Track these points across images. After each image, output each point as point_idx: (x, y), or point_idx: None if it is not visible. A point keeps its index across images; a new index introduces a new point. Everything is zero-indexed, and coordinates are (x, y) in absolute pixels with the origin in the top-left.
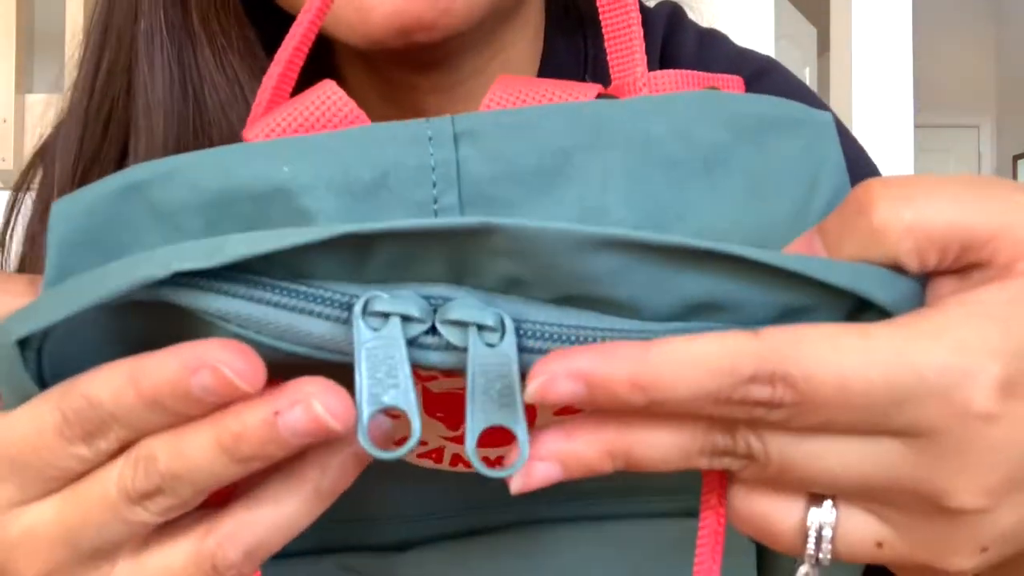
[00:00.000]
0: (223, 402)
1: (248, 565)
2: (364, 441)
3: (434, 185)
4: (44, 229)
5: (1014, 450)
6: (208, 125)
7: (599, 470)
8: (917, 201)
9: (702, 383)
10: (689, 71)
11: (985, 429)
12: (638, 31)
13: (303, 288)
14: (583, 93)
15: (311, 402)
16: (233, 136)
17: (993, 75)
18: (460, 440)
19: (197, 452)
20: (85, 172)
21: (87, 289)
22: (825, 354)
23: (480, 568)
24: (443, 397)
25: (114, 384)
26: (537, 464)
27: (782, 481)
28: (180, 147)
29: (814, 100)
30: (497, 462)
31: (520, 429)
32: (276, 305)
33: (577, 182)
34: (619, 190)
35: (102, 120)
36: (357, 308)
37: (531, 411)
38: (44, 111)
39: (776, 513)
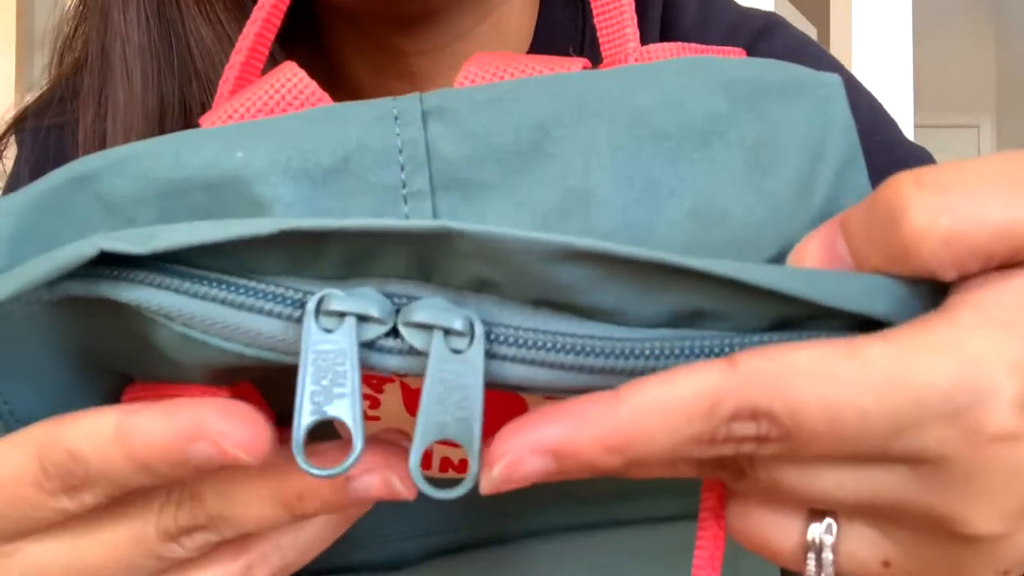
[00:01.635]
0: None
1: None
2: (299, 457)
3: (402, 168)
4: None
5: None
6: (193, 78)
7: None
8: (956, 205)
9: (680, 431)
10: (685, 44)
11: (1001, 451)
12: (629, 6)
13: (252, 284)
14: (566, 67)
15: (389, 476)
16: None
17: (993, 75)
18: (448, 443)
19: (253, 504)
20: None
21: (14, 277)
22: (811, 384)
23: None
24: None
25: (100, 441)
26: (529, 457)
27: (777, 498)
28: (163, 104)
29: (823, 57)
30: (462, 466)
31: (472, 450)
32: (223, 302)
33: (558, 160)
34: (605, 168)
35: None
36: (310, 306)
37: (519, 401)
38: None
39: (773, 530)
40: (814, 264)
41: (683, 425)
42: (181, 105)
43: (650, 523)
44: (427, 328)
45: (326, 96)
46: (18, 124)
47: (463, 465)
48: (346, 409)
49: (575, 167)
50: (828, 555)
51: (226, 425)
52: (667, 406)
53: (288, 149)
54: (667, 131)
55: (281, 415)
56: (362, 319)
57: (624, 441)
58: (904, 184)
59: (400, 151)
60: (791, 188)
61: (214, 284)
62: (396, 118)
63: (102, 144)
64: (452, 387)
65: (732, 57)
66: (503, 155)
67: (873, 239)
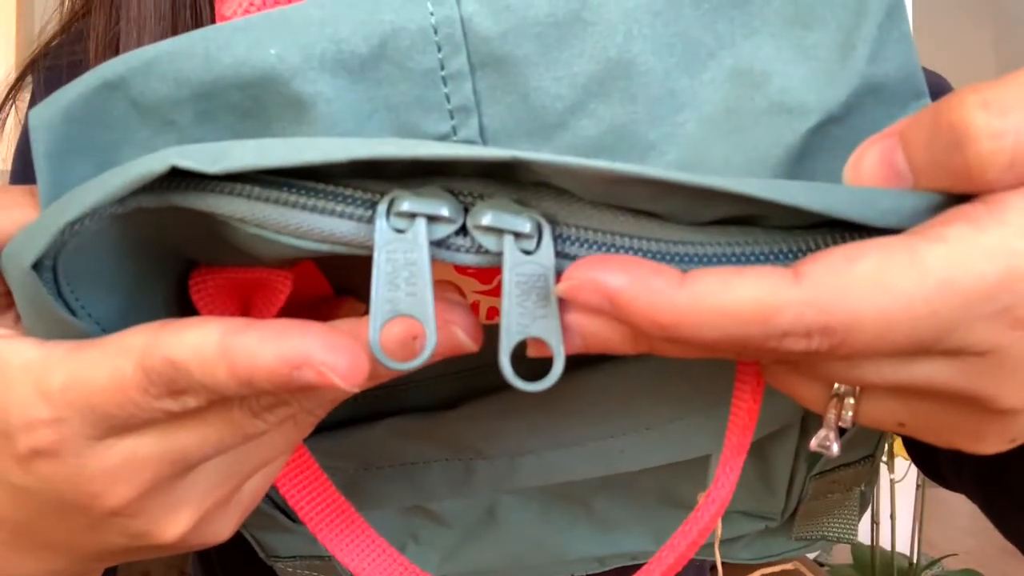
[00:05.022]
0: None
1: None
2: (377, 352)
3: (439, 49)
4: None
5: None
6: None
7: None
8: (1022, 129)
9: (729, 330)
10: None
11: None
12: None
13: (322, 186)
14: None
15: (453, 330)
16: None
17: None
18: (495, 293)
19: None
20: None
21: (86, 195)
22: (870, 297)
23: (533, 415)
24: None
25: (204, 355)
26: (590, 292)
27: (813, 377)
28: (175, 3)
29: None
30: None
31: (557, 344)
32: (294, 205)
33: (597, 29)
34: (645, 35)
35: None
36: (381, 208)
37: None
38: None
39: (802, 388)
40: (872, 176)
41: (734, 326)
42: (193, 3)
43: None
44: (496, 231)
45: None
46: (34, 65)
47: None
48: (418, 307)
49: (615, 36)
50: (848, 413)
51: (330, 356)
52: (723, 305)
53: (322, 41)
54: None
55: (340, 290)
56: (431, 219)
57: (671, 322)
58: (970, 107)
59: (435, 31)
60: (833, 44)
61: (284, 188)
62: None
63: (116, 51)
64: (529, 288)
65: None
66: (541, 28)
67: (936, 159)
